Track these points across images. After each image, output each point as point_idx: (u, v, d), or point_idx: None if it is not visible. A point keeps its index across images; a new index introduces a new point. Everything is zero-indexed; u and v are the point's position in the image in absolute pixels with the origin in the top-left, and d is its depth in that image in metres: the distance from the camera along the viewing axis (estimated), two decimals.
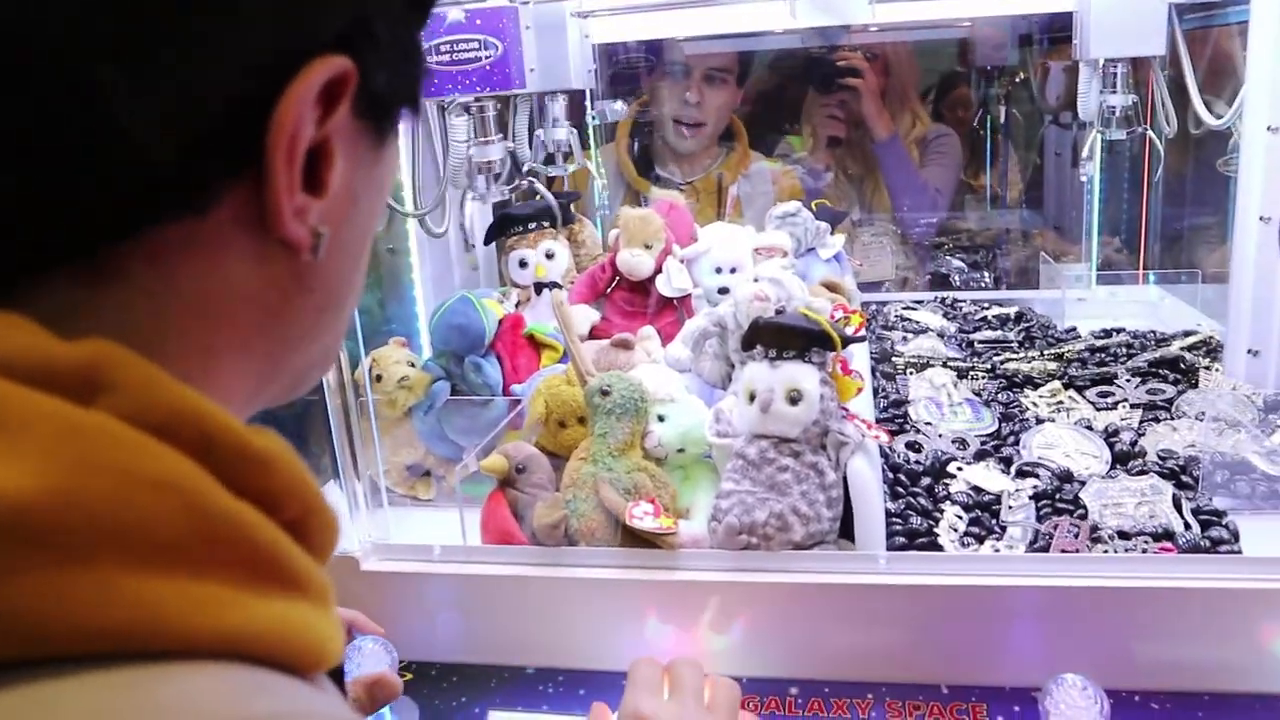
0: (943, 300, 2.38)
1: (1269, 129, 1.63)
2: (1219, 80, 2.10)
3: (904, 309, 2.30)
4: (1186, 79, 1.93)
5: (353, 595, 1.35)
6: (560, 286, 1.87)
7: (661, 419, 1.40)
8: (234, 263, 0.46)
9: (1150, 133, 2.14)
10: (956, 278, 2.77)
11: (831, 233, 2.12)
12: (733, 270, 1.80)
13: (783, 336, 1.30)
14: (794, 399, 1.27)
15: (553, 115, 1.99)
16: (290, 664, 0.43)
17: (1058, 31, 2.67)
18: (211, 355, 0.48)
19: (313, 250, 0.47)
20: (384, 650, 1.21)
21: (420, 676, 1.33)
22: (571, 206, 2.02)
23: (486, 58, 1.61)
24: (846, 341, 1.33)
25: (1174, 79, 2.07)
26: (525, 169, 2.10)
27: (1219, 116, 1.88)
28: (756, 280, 1.51)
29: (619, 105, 2.14)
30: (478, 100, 1.71)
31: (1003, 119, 2.99)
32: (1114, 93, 2.07)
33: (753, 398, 1.30)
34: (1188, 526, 1.32)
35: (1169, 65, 2.08)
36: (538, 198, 1.94)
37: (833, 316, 1.50)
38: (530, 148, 1.93)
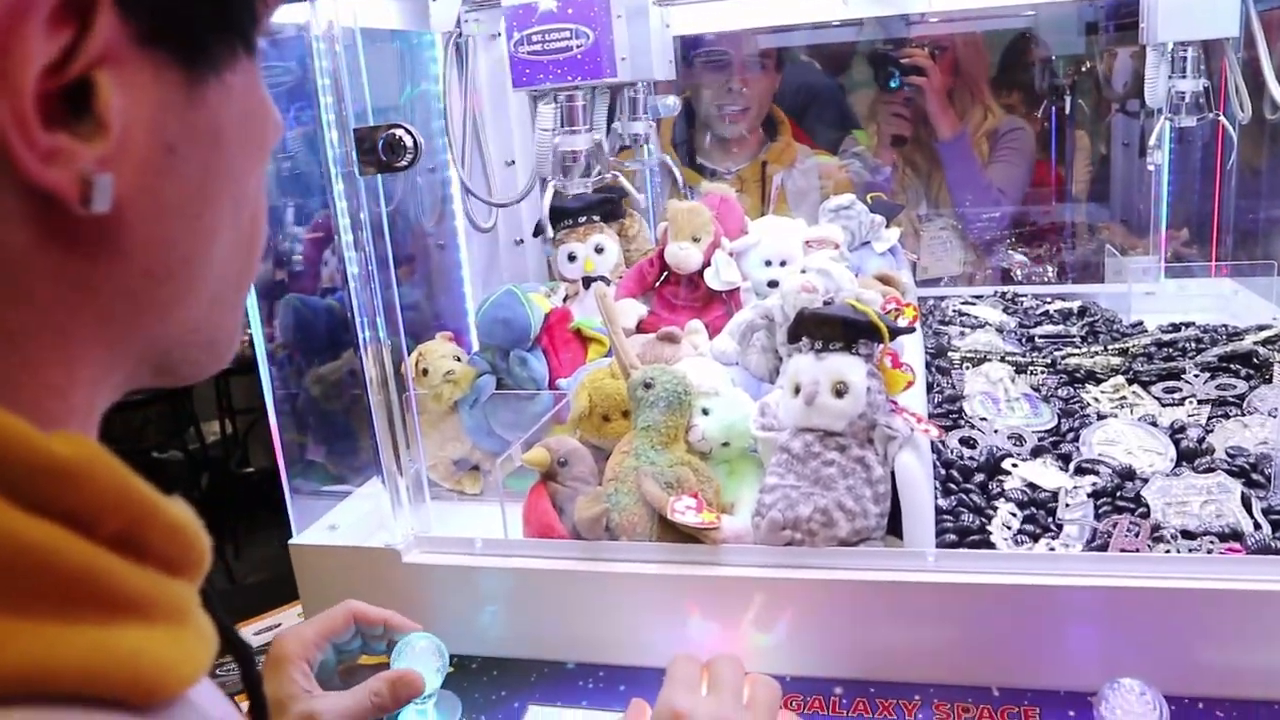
0: (1003, 295, 2.32)
1: None
2: None
3: (962, 303, 2.24)
4: (1262, 61, 1.85)
5: (395, 588, 1.35)
6: (608, 281, 1.85)
7: (706, 412, 1.37)
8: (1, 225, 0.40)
9: (1223, 119, 2.05)
10: (1019, 272, 2.70)
11: (887, 226, 2.07)
12: (783, 263, 1.76)
13: (828, 327, 1.26)
14: (840, 391, 1.24)
15: (631, 106, 1.98)
16: (116, 695, 0.40)
17: (1124, 17, 2.59)
18: (15, 341, 0.43)
19: (84, 201, 0.41)
20: (434, 651, 1.18)
21: (461, 669, 1.32)
22: (622, 201, 1.99)
23: (578, 47, 1.61)
24: (895, 333, 1.29)
25: (1248, 62, 1.99)
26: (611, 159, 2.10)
27: None
28: (804, 271, 1.48)
29: (671, 100, 2.11)
30: (564, 89, 1.68)
31: (1068, 109, 2.90)
32: (1184, 78, 2.00)
33: (798, 390, 1.27)
34: (1257, 526, 1.25)
35: (1243, 48, 2.00)
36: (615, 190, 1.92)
37: (884, 309, 1.46)
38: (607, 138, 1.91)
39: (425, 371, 1.62)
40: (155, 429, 4.77)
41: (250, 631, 1.82)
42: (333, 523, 1.47)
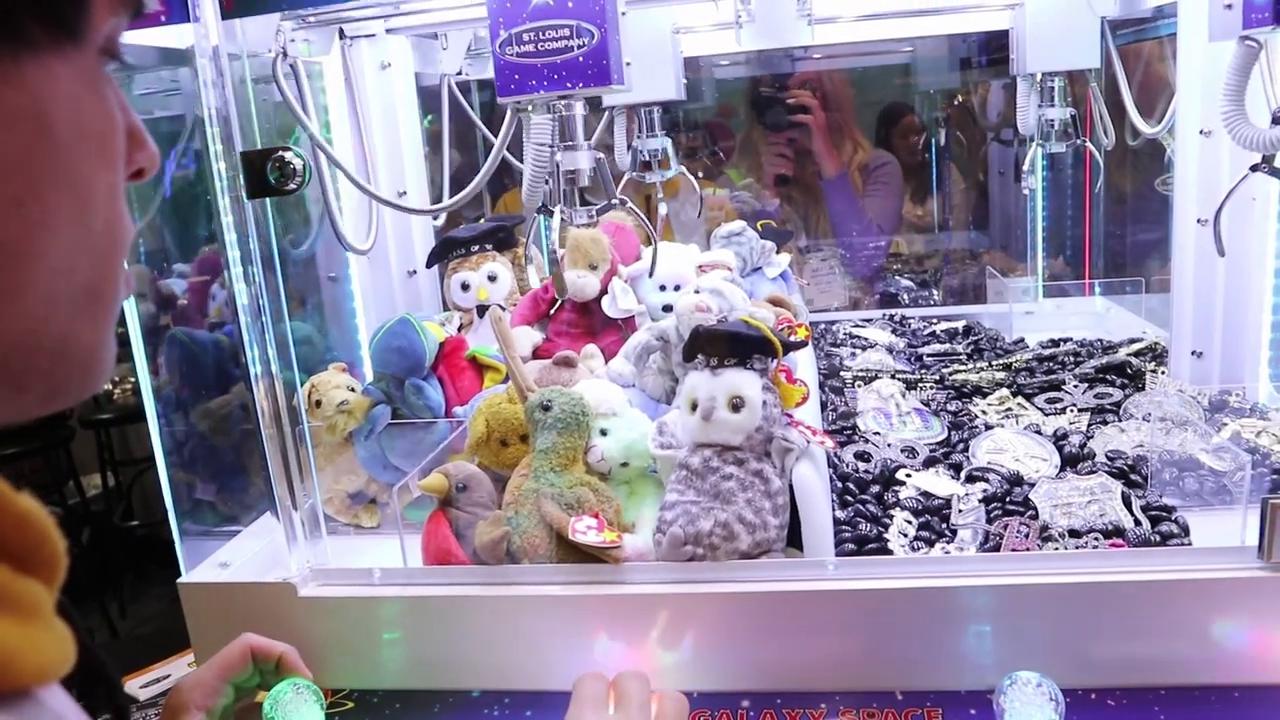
0: (891, 317, 2.38)
1: (1201, 133, 1.64)
2: (1151, 97, 2.13)
3: (853, 327, 2.29)
4: (1121, 90, 1.96)
5: (291, 624, 1.30)
6: (503, 309, 1.84)
7: (604, 433, 1.37)
8: None
9: (1089, 145, 2.16)
10: (905, 296, 2.78)
11: (778, 252, 2.12)
12: (677, 288, 1.78)
13: (723, 343, 1.28)
14: (736, 406, 1.25)
15: (649, 123, 1.99)
16: None
17: (995, 51, 2.71)
18: None
19: None
20: (305, 696, 1.14)
21: (362, 705, 1.28)
22: (515, 230, 1.99)
23: (580, 47, 1.34)
24: (789, 348, 1.31)
25: (1109, 93, 2.10)
26: (624, 179, 2.07)
27: (1155, 127, 1.91)
28: (698, 292, 1.49)
29: None
30: (565, 98, 1.40)
31: (943, 140, 3.02)
32: (1053, 106, 2.09)
33: (694, 407, 1.28)
34: (1138, 523, 1.30)
35: (1104, 79, 2.11)
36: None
37: (777, 327, 1.48)
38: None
39: (318, 403, 1.58)
40: (31, 482, 4.55)
41: (137, 685, 1.74)
42: (224, 560, 1.42)
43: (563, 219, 1.44)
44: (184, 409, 1.69)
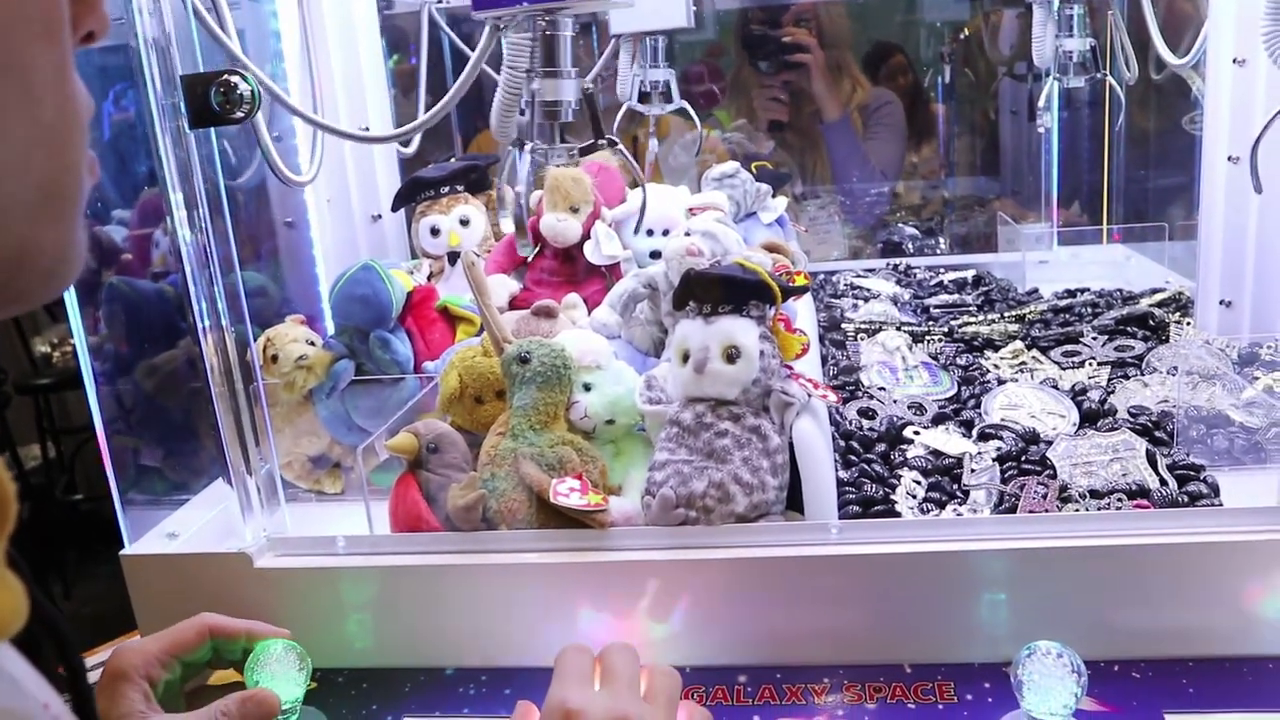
0: (896, 267, 2.36)
1: (1234, 62, 1.62)
2: (1178, 26, 2.10)
3: (855, 277, 2.27)
4: (1146, 17, 1.93)
5: (247, 598, 1.27)
6: (477, 254, 1.81)
7: (588, 388, 1.34)
8: None
9: (1110, 79, 2.13)
10: (910, 245, 2.76)
11: (773, 195, 2.09)
12: (665, 232, 1.75)
13: (717, 289, 1.25)
14: (731, 356, 1.22)
15: (652, 53, 1.95)
16: None
17: None
18: None
19: None
20: (293, 659, 1.15)
21: (326, 684, 1.26)
22: (489, 170, 1.96)
23: None
24: (787, 294, 1.28)
25: (1133, 22, 2.07)
26: (622, 110, 2.02)
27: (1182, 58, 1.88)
28: (688, 235, 1.46)
29: None
30: (550, 14, 1.26)
31: (949, 78, 2.99)
32: (1071, 36, 2.07)
33: (686, 358, 1.25)
34: (1164, 483, 1.29)
35: (1126, 6, 2.08)
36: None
37: (776, 273, 1.46)
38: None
39: (275, 358, 1.55)
40: None
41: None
42: (171, 530, 1.39)
43: (535, 158, 1.34)
44: (126, 367, 1.66)
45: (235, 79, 1.16)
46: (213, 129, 1.24)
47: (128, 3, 1.19)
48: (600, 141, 1.36)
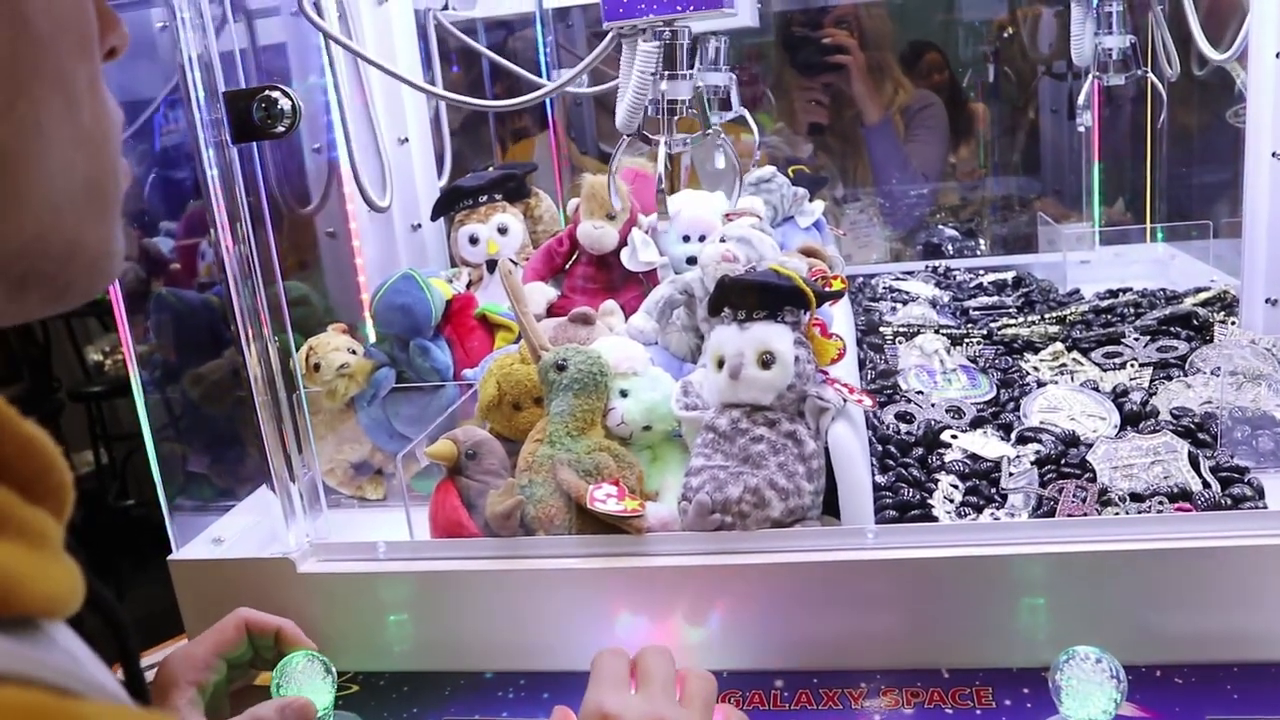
0: (935, 269, 2.35)
1: (1277, 56, 1.59)
2: (1221, 20, 2.07)
3: (893, 280, 2.26)
4: (1187, 12, 1.90)
5: (291, 602, 1.30)
6: (515, 264, 1.82)
7: (624, 394, 1.35)
8: None
9: (1151, 76, 2.11)
10: (949, 247, 2.74)
11: (810, 199, 2.09)
12: (701, 238, 1.75)
13: (752, 295, 1.25)
14: (766, 362, 1.23)
15: (715, 55, 1.95)
16: None
17: None
18: None
19: None
20: (316, 668, 1.16)
21: (367, 688, 1.28)
22: (525, 178, 1.97)
23: None
24: (822, 299, 1.29)
25: (1174, 17, 2.05)
26: (730, 115, 2.04)
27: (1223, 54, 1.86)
28: (724, 241, 1.47)
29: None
30: (670, 24, 1.38)
31: (991, 76, 2.96)
32: (1110, 34, 2.05)
33: (721, 364, 1.26)
34: (1206, 485, 1.28)
35: (1167, 3, 2.05)
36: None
37: (812, 277, 1.46)
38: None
39: (317, 367, 1.57)
40: None
41: None
42: (217, 535, 1.42)
43: (666, 148, 1.45)
44: (174, 376, 1.69)
45: (276, 94, 1.19)
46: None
47: (171, 19, 1.22)
48: (709, 133, 1.53)
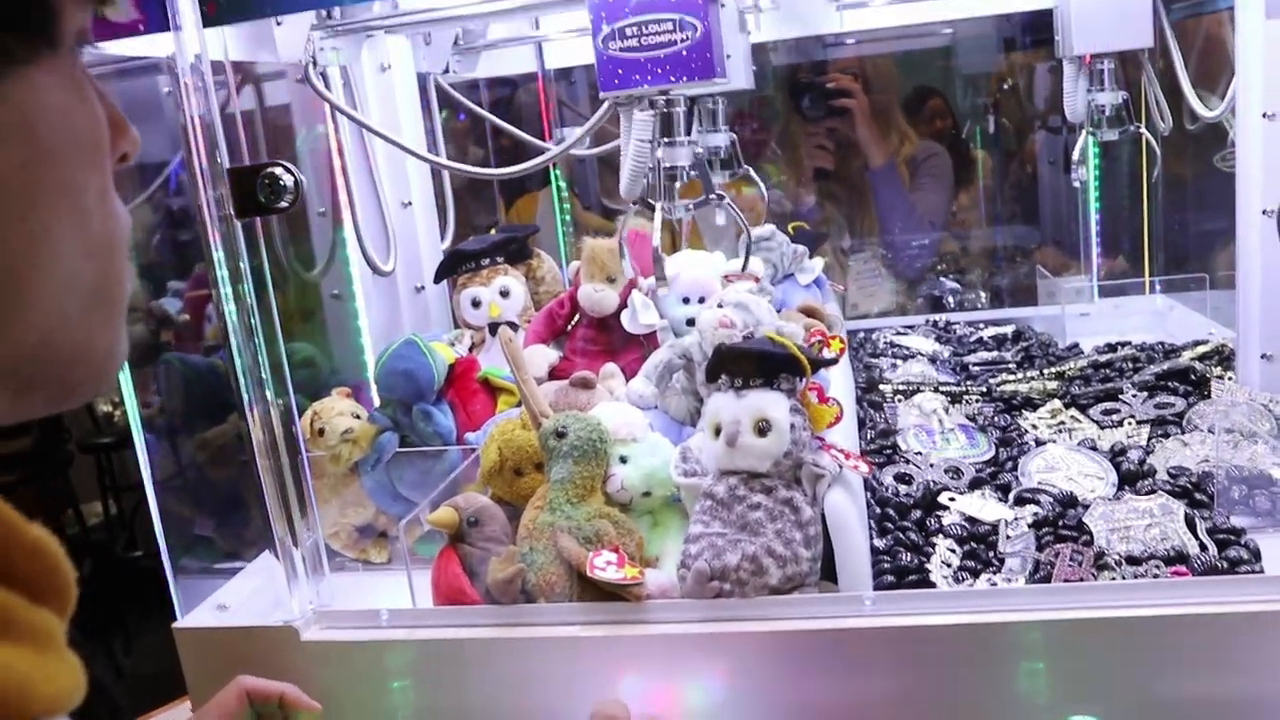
0: (935, 324, 2.36)
1: (1264, 116, 1.62)
2: (1213, 75, 2.10)
3: (894, 334, 2.28)
4: (1177, 71, 1.93)
5: (294, 670, 1.30)
6: (516, 326, 1.84)
7: (624, 460, 1.36)
8: None
9: (1144, 131, 2.13)
10: (950, 299, 2.76)
11: (810, 256, 2.11)
12: (701, 300, 1.77)
13: (747, 362, 1.27)
14: (762, 430, 1.24)
15: (710, 118, 1.97)
16: None
17: (1041, 31, 2.68)
18: None
19: None
20: None
21: None
22: (527, 240, 2.00)
23: (683, 41, 1.41)
24: (817, 365, 1.30)
25: (1165, 73, 2.07)
26: (734, 173, 2.06)
27: (1214, 110, 1.88)
28: (720, 306, 1.49)
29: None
30: (665, 93, 1.47)
31: (992, 128, 2.99)
32: (1102, 90, 2.07)
33: (718, 431, 1.27)
34: (1203, 548, 1.28)
35: (1159, 58, 2.08)
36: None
37: (808, 342, 1.47)
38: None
39: (321, 431, 1.59)
40: (28, 512, 4.60)
41: None
42: (222, 602, 1.43)
43: (664, 213, 1.53)
44: (180, 439, 1.71)
45: (279, 170, 1.21)
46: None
47: (175, 85, 1.25)
48: (711, 197, 1.59)
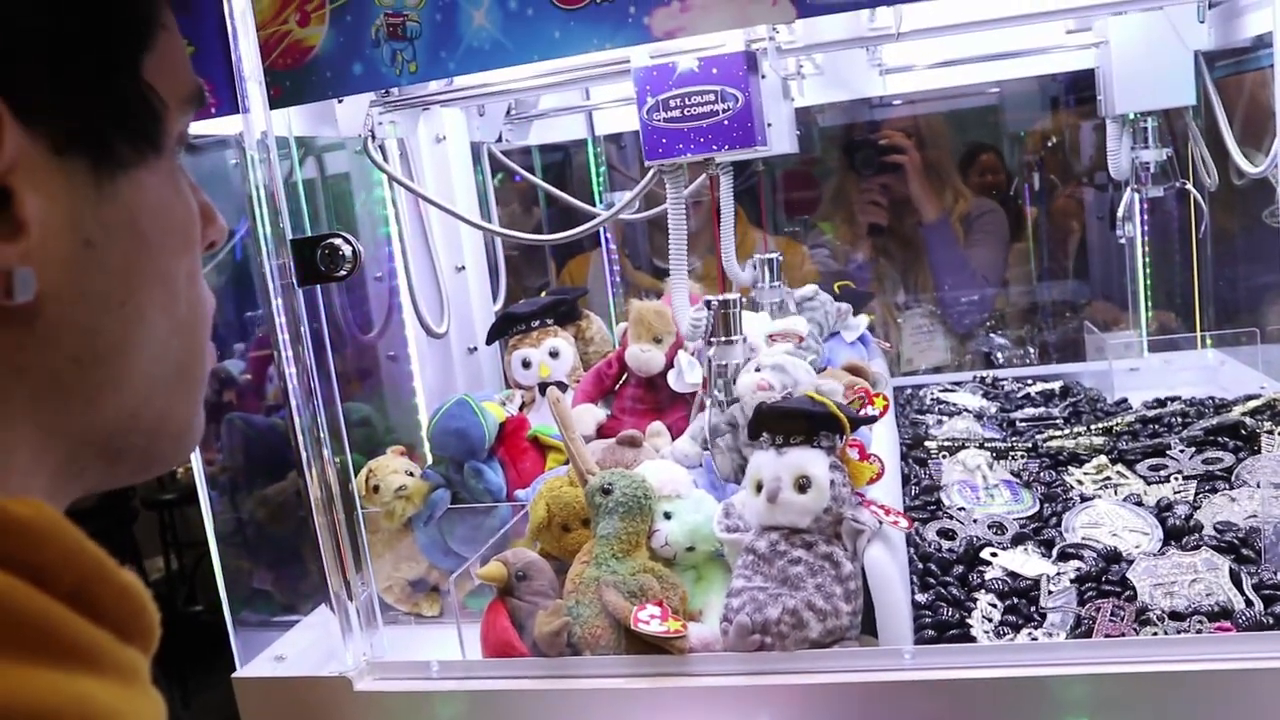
0: (983, 380, 2.37)
1: None
2: (1258, 131, 2.12)
3: (941, 391, 2.29)
4: (1221, 128, 1.95)
5: (347, 719, 1.35)
6: (564, 386, 1.89)
7: (668, 516, 1.40)
8: None
9: (1190, 187, 2.15)
10: (999, 355, 2.76)
11: (855, 314, 2.14)
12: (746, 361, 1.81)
13: (787, 421, 1.31)
14: (803, 486, 1.27)
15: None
16: None
17: (1085, 90, 2.72)
18: None
19: (7, 292, 0.49)
20: None
21: None
22: (578, 302, 2.05)
23: (725, 111, 1.50)
24: (856, 423, 1.33)
25: (1210, 130, 2.09)
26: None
27: (1259, 166, 1.90)
28: (759, 370, 1.52)
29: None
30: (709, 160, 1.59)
31: (1038, 185, 3.01)
32: (1146, 148, 2.10)
33: (760, 488, 1.31)
34: (1249, 603, 1.28)
35: (1203, 115, 2.10)
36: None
37: (848, 399, 1.50)
38: None
39: (376, 488, 1.64)
40: None
41: None
42: (279, 653, 1.48)
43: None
44: (241, 495, 1.78)
45: (338, 241, 1.28)
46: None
47: (243, 167, 1.33)
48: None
